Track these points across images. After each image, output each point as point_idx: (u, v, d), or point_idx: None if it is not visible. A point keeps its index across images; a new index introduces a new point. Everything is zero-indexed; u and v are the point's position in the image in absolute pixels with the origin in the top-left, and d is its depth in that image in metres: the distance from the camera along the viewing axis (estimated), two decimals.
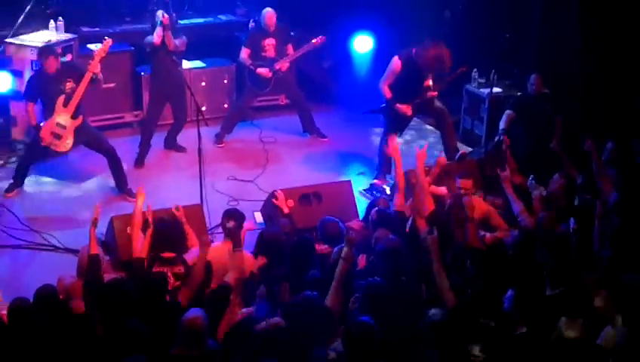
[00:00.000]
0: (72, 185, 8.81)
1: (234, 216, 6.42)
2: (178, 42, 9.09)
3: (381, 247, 5.85)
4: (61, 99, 8.12)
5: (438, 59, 8.35)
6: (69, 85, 8.16)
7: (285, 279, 5.87)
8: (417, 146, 7.46)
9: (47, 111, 8.20)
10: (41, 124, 8.16)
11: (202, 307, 5.08)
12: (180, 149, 9.60)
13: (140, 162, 9.29)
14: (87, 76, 8.10)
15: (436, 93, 8.75)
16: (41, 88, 8.21)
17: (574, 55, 9.26)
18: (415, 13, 10.74)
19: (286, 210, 7.19)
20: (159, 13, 9.05)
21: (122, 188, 8.55)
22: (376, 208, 6.84)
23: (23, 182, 8.55)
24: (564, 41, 9.36)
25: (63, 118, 8.14)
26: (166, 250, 6.11)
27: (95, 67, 8.14)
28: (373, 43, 10.82)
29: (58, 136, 8.16)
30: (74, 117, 8.18)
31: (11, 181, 8.50)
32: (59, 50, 9.08)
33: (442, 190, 7.23)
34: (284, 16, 9.90)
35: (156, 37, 8.94)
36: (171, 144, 9.63)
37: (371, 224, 6.64)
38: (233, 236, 6.05)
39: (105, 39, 8.40)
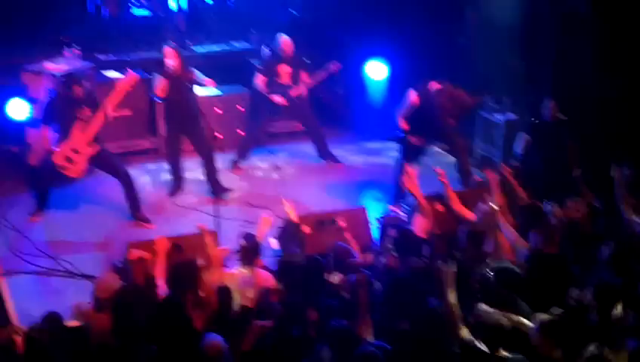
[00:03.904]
0: (88, 211, 8.82)
1: (248, 236, 6.48)
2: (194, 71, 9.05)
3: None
4: (79, 125, 8.16)
5: (449, 97, 8.42)
6: (87, 113, 8.20)
7: (301, 306, 5.84)
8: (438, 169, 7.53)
9: (62, 136, 8.24)
10: (55, 148, 8.21)
11: (224, 331, 5.05)
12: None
13: (172, 192, 9.25)
14: (107, 107, 8.15)
15: (454, 121, 8.78)
16: (59, 113, 8.25)
17: (589, 80, 9.25)
18: (429, 41, 10.76)
19: (295, 219, 7.23)
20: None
21: (135, 213, 8.55)
22: (397, 227, 6.85)
23: (45, 206, 8.58)
24: (579, 65, 9.35)
25: (79, 143, 8.18)
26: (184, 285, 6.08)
27: (118, 99, 8.20)
28: (388, 70, 10.86)
29: (71, 161, 8.20)
30: (90, 144, 8.22)
31: (34, 205, 8.55)
32: None
33: (470, 214, 7.23)
34: (299, 43, 9.95)
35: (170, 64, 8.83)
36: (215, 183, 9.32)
37: (395, 244, 6.63)
38: (246, 255, 6.02)
39: (128, 72, 8.44)
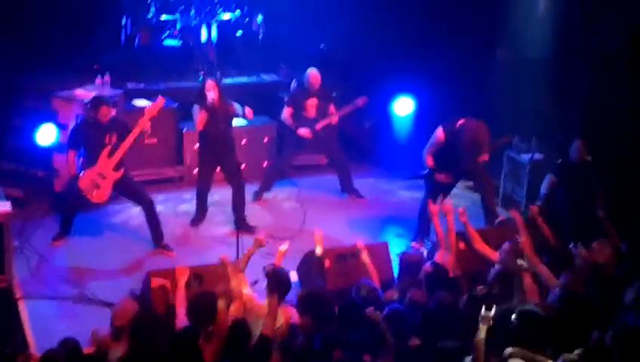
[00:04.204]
0: (110, 237, 8.85)
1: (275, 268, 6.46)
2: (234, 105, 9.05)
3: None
4: (106, 150, 8.21)
5: (476, 136, 8.37)
6: (114, 139, 8.27)
7: (335, 340, 5.81)
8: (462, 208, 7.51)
9: (89, 161, 8.29)
10: (81, 174, 8.26)
11: None
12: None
13: (194, 223, 9.25)
14: (136, 132, 8.21)
15: (487, 157, 8.72)
16: (86, 137, 8.32)
17: (619, 121, 9.17)
18: (457, 78, 10.76)
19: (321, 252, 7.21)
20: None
21: (158, 242, 8.56)
22: (431, 262, 6.85)
23: (69, 232, 8.63)
24: (610, 106, 9.28)
25: (105, 169, 8.24)
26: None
27: (145, 124, 8.25)
28: (414, 106, 10.86)
29: (97, 186, 8.25)
30: (116, 169, 8.28)
31: (58, 230, 8.60)
32: None
33: (493, 253, 7.16)
34: (327, 77, 9.98)
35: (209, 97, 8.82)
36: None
37: (426, 279, 6.58)
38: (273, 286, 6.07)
39: (158, 98, 8.52)
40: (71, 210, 8.61)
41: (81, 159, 8.36)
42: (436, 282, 6.52)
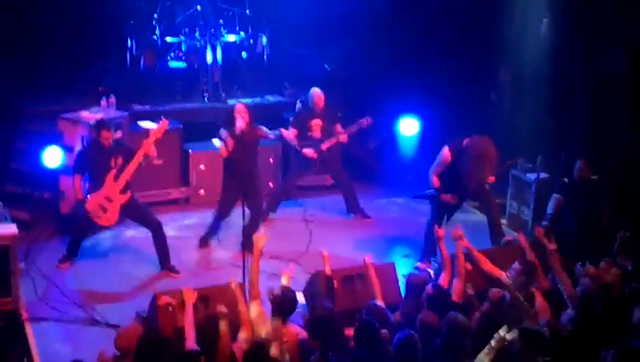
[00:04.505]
0: (116, 260, 8.85)
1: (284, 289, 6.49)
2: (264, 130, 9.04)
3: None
4: (112, 173, 8.23)
5: (483, 153, 8.35)
6: (119, 161, 8.27)
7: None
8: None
9: (95, 185, 8.31)
10: (88, 197, 8.26)
11: None
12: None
13: (203, 242, 9.20)
14: (140, 154, 8.22)
15: (493, 178, 8.69)
16: (91, 161, 8.34)
17: (622, 140, 9.19)
18: (462, 98, 10.79)
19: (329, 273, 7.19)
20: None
21: (164, 264, 8.55)
22: (432, 284, 6.81)
23: (75, 255, 8.63)
24: (613, 125, 9.31)
25: (111, 192, 8.25)
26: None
27: (149, 147, 8.24)
28: (419, 126, 10.88)
29: (104, 209, 8.26)
30: (122, 192, 8.29)
31: (65, 253, 8.60)
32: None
33: (502, 273, 7.15)
34: (332, 98, 10.01)
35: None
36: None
37: (427, 300, 6.56)
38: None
39: (161, 119, 8.53)
40: (79, 234, 8.61)
41: (88, 183, 8.38)
42: (437, 304, 6.48)
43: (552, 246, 7.17)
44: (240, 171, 8.82)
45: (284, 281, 6.82)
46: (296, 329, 6.39)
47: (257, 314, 6.39)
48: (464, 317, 6.02)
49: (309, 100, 9.82)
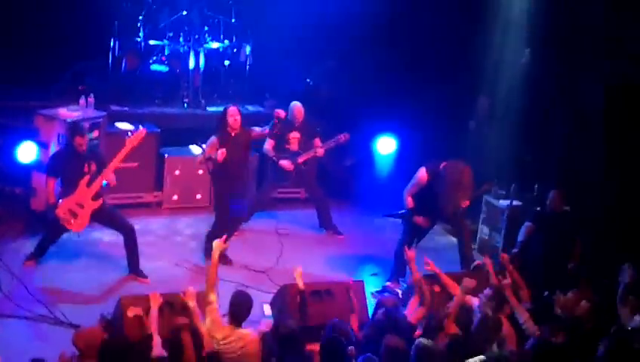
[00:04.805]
0: (84, 261, 8.78)
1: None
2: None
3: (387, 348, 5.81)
4: (85, 179, 8.15)
5: (460, 178, 8.39)
6: (93, 168, 8.20)
7: None
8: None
9: (67, 189, 8.21)
10: (60, 201, 8.19)
11: None
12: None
13: (225, 259, 8.80)
14: (116, 162, 8.14)
15: (468, 202, 8.73)
16: (65, 165, 8.25)
17: (597, 174, 9.29)
18: (440, 121, 10.88)
19: (301, 286, 7.17)
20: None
21: (134, 268, 8.49)
22: (384, 309, 6.76)
23: (42, 256, 8.54)
24: (588, 158, 9.41)
25: (83, 198, 8.18)
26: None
27: (123, 156, 8.16)
28: (396, 145, 10.93)
29: (74, 215, 8.17)
30: (94, 198, 8.21)
31: (32, 251, 8.51)
32: (86, 125, 9.23)
33: (473, 299, 7.16)
34: (311, 112, 10.03)
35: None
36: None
37: (377, 324, 6.55)
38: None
39: (140, 128, 8.48)
40: (48, 238, 8.51)
41: (60, 187, 8.28)
42: (383, 329, 6.44)
43: (506, 281, 7.20)
44: (232, 174, 8.81)
45: (297, 277, 7.03)
46: (249, 331, 6.37)
47: (211, 320, 6.37)
48: (433, 343, 5.99)
49: (288, 113, 9.84)
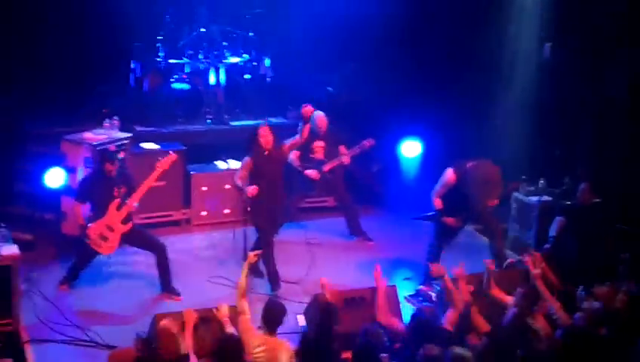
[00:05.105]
0: (117, 281, 8.83)
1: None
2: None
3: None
4: (115, 203, 8.23)
5: (487, 177, 8.33)
6: (123, 191, 8.28)
7: None
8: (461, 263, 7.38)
9: (97, 213, 8.30)
10: (89, 225, 8.25)
11: None
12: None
13: (275, 286, 8.75)
14: (145, 187, 8.25)
15: (497, 201, 8.66)
16: (94, 190, 8.33)
17: (626, 163, 9.19)
18: (464, 121, 10.81)
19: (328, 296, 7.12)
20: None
21: (166, 286, 8.53)
22: (423, 317, 6.69)
23: (75, 278, 8.60)
24: (616, 149, 9.32)
25: (113, 221, 8.25)
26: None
27: (154, 180, 8.29)
28: (422, 148, 10.88)
29: (105, 238, 8.25)
30: (124, 222, 8.29)
31: (65, 275, 8.58)
32: (113, 148, 9.31)
33: (507, 297, 7.10)
34: (334, 120, 10.03)
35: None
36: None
37: (412, 332, 6.50)
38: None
39: (169, 153, 8.52)
40: (80, 262, 8.57)
41: (90, 211, 8.37)
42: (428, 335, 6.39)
43: (537, 271, 7.12)
44: (270, 206, 8.63)
45: (324, 288, 7.05)
46: (283, 340, 6.40)
47: (243, 329, 6.40)
48: (466, 351, 5.91)
49: (312, 123, 9.82)
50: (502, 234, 9.28)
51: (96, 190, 8.32)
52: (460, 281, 7.04)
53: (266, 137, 8.59)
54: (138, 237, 8.50)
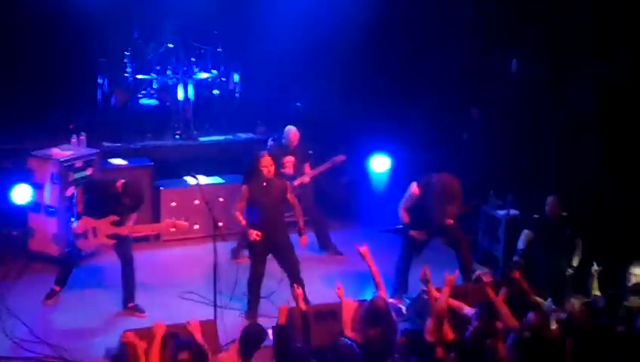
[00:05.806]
0: (86, 297, 8.73)
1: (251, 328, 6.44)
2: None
3: None
4: (113, 217, 8.25)
5: (448, 189, 8.45)
6: (122, 214, 8.29)
7: None
8: (446, 272, 7.36)
9: (94, 212, 8.27)
10: (83, 217, 8.25)
11: None
12: None
13: (249, 314, 8.44)
14: (144, 229, 8.82)
15: (452, 221, 8.73)
16: (103, 197, 8.33)
17: (593, 177, 9.30)
18: (433, 135, 10.90)
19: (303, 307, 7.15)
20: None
21: (126, 302, 8.42)
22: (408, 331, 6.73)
23: (65, 284, 8.54)
24: (584, 162, 9.43)
25: (102, 228, 8.27)
26: None
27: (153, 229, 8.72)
28: (391, 162, 10.95)
29: (85, 236, 8.30)
30: (109, 237, 8.31)
31: (52, 287, 8.51)
32: (79, 164, 9.25)
33: (467, 308, 7.13)
34: (303, 136, 10.05)
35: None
36: None
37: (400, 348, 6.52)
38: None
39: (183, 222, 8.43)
40: (71, 262, 8.54)
41: (88, 209, 8.32)
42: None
43: (500, 297, 7.17)
44: (266, 224, 8.39)
45: (297, 299, 7.05)
46: None
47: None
48: None
49: (283, 137, 9.85)
50: (468, 247, 9.32)
51: (105, 197, 8.30)
52: (446, 287, 7.00)
53: (268, 168, 8.32)
54: (117, 247, 8.45)
